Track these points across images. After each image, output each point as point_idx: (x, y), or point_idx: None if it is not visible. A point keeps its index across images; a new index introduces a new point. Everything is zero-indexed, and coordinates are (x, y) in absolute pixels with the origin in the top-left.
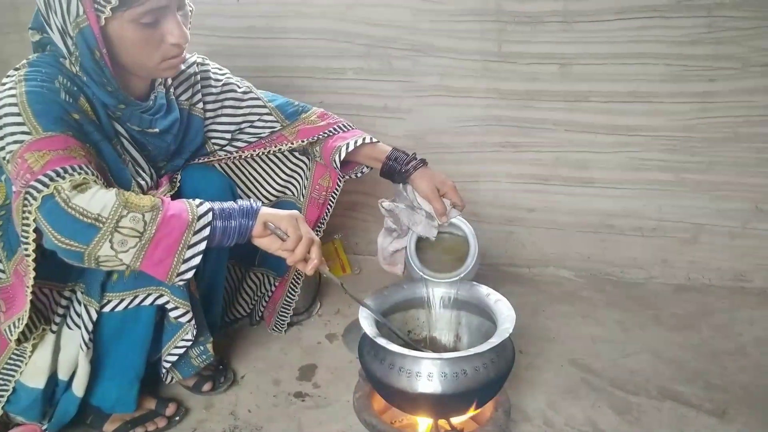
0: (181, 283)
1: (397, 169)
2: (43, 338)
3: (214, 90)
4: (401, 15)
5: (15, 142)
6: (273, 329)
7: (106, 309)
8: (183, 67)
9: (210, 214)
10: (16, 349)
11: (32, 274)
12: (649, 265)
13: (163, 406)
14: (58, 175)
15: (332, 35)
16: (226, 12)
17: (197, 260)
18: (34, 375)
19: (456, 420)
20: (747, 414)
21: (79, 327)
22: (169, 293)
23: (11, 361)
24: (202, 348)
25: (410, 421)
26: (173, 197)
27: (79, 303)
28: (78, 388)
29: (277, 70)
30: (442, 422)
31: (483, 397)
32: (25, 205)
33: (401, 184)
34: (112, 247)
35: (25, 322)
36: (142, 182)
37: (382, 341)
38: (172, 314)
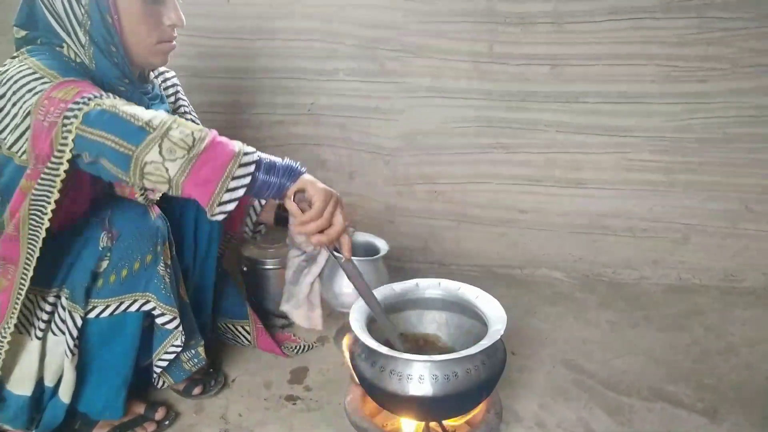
0: (220, 216)
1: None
2: (26, 345)
3: (186, 109)
4: (392, 16)
5: (35, 93)
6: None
7: (92, 315)
8: (168, 75)
9: (255, 155)
10: None
11: (45, 226)
12: (641, 265)
13: (152, 410)
14: (95, 97)
15: (323, 36)
16: (217, 13)
17: (240, 192)
18: (21, 382)
19: (448, 422)
20: (738, 414)
21: (63, 333)
22: (156, 299)
23: None
24: (193, 352)
25: (401, 424)
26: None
27: (64, 309)
28: (65, 395)
29: (268, 71)
30: (433, 425)
31: (474, 399)
32: (64, 129)
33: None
34: (160, 153)
35: (11, 325)
36: None
37: (373, 344)
38: (159, 320)
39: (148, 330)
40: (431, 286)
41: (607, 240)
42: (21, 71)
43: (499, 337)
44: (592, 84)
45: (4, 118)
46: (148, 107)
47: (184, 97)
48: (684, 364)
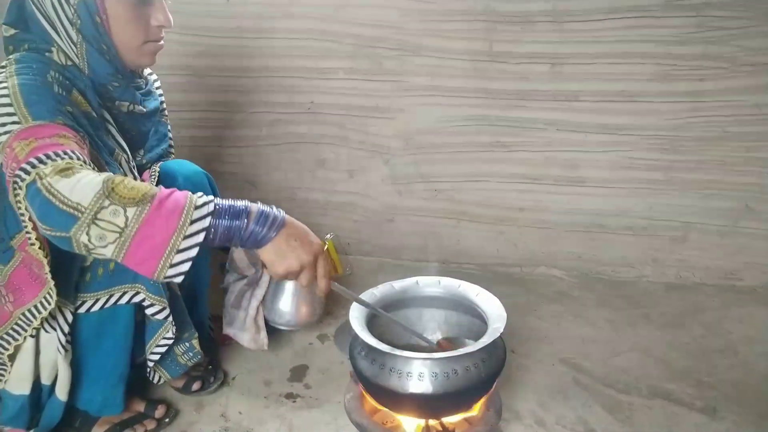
0: (171, 281)
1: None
2: (21, 345)
3: (166, 117)
4: (390, 15)
5: (5, 132)
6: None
7: (82, 310)
8: (155, 77)
9: (207, 219)
10: None
11: (45, 261)
12: (640, 263)
13: (152, 408)
14: (40, 161)
15: (321, 35)
16: (215, 12)
17: (186, 266)
18: (18, 382)
19: (447, 420)
20: (737, 412)
21: (55, 329)
22: (145, 290)
23: None
24: (187, 345)
25: (401, 422)
26: None
27: (51, 304)
28: (61, 393)
29: (266, 71)
30: (433, 423)
31: (474, 397)
32: (15, 195)
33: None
34: (89, 240)
35: (51, 305)
36: (126, 169)
37: (372, 341)
38: (149, 311)
39: (141, 324)
40: (431, 284)
41: (606, 238)
42: (0, 97)
43: (498, 334)
44: (591, 83)
45: None
46: (140, 102)
47: (166, 112)
48: (683, 362)
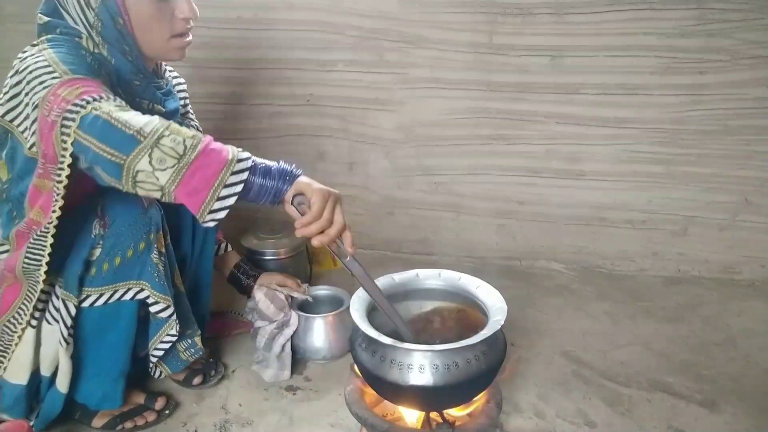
0: (211, 224)
1: (242, 280)
2: (22, 334)
3: (191, 116)
4: (391, 6)
5: (45, 87)
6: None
7: (86, 304)
8: (180, 80)
9: (250, 161)
10: None
11: (56, 213)
12: (640, 257)
13: (152, 400)
14: (95, 100)
15: (322, 27)
16: (216, 3)
17: (231, 201)
18: (16, 371)
19: (448, 412)
20: (736, 404)
21: (57, 322)
22: (150, 287)
23: None
24: (189, 342)
25: (402, 414)
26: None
27: (58, 297)
28: (61, 385)
29: (266, 62)
30: (434, 415)
31: (475, 389)
32: (62, 132)
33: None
34: (150, 162)
35: (30, 309)
36: None
37: (373, 333)
38: (153, 309)
39: (145, 319)
40: (432, 277)
41: (606, 231)
42: (37, 62)
43: (499, 327)
44: (592, 75)
45: (18, 106)
46: (161, 102)
47: (191, 110)
48: (682, 356)
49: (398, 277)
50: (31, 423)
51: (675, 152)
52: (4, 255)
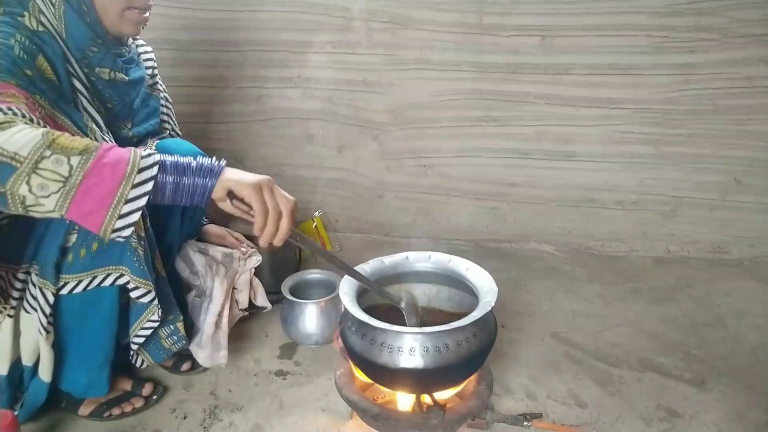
0: (119, 239)
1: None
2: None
3: (161, 87)
4: None
5: None
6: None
7: (64, 291)
8: (147, 49)
9: (155, 168)
10: None
11: None
12: (630, 238)
13: (139, 386)
14: None
15: (309, 8)
16: None
17: (135, 217)
18: None
19: (439, 395)
20: (725, 383)
21: (35, 310)
22: (129, 272)
23: None
24: (172, 328)
25: (392, 397)
26: None
27: (35, 285)
28: (44, 374)
29: (254, 44)
30: (424, 397)
31: (466, 372)
32: None
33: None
34: (30, 191)
35: None
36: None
37: (363, 316)
38: (134, 294)
39: (126, 306)
40: (422, 259)
41: (597, 213)
42: None
43: (489, 308)
44: (582, 55)
45: None
46: (122, 70)
47: (160, 80)
48: (672, 336)
49: (388, 260)
50: (16, 413)
51: (665, 132)
52: None
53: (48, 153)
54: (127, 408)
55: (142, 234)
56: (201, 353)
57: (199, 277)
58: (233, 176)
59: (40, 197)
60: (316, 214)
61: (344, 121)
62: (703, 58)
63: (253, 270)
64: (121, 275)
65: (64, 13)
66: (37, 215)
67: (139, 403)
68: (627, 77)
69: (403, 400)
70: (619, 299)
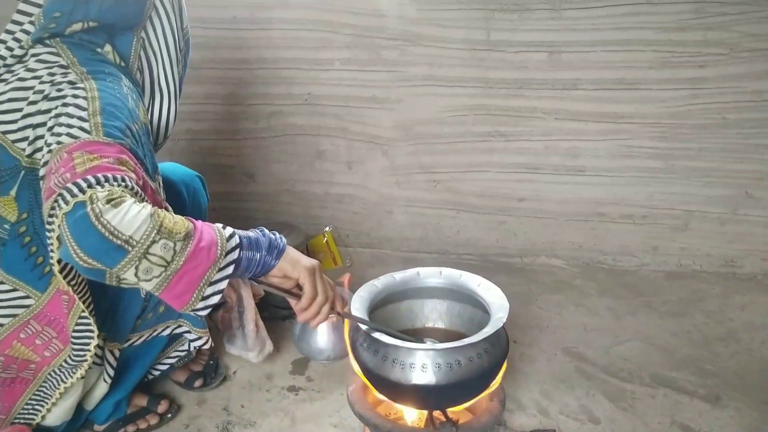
0: (192, 314)
1: None
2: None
3: None
4: (388, 4)
5: (70, 135)
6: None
7: (126, 344)
8: None
9: (237, 251)
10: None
11: (69, 288)
12: (641, 252)
13: (154, 403)
14: (98, 182)
15: (318, 25)
16: (211, 2)
17: (215, 299)
18: (61, 414)
19: (451, 411)
20: (739, 399)
21: (101, 365)
22: (190, 325)
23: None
24: (183, 354)
25: (404, 413)
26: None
27: (101, 348)
28: (90, 405)
29: (262, 62)
30: (437, 413)
31: (478, 388)
32: (53, 208)
33: None
34: (136, 274)
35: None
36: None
37: (375, 333)
38: (194, 344)
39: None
40: (432, 275)
41: (607, 227)
42: (75, 101)
43: (501, 324)
44: (590, 71)
45: (36, 139)
46: None
47: None
48: (685, 351)
49: (399, 275)
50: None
51: (674, 147)
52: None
53: (158, 238)
54: (143, 425)
55: None
56: (251, 354)
57: (224, 296)
58: (292, 255)
59: (143, 281)
60: (327, 229)
61: (354, 137)
62: (711, 72)
63: None
64: (180, 326)
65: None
66: (125, 286)
67: (154, 420)
68: (635, 92)
69: (416, 417)
70: (630, 313)
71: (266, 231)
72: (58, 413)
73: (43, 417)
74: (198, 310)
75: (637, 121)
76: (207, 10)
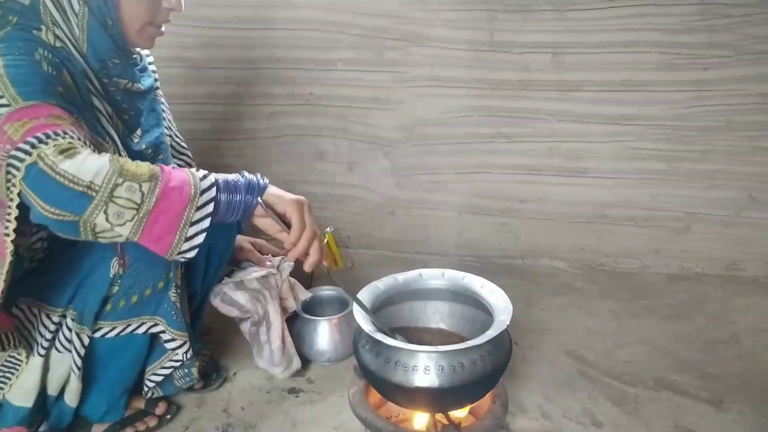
0: (182, 260)
1: None
2: (29, 361)
3: (161, 92)
4: (391, 4)
5: None
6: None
7: (97, 335)
8: (151, 56)
9: (214, 189)
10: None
11: (8, 260)
12: (643, 254)
13: (152, 405)
14: (40, 141)
15: (321, 26)
16: (215, 2)
17: (201, 238)
18: (21, 395)
19: (453, 414)
20: (743, 402)
21: (69, 351)
22: (165, 323)
23: None
24: (186, 371)
25: (407, 416)
26: None
27: (69, 329)
28: (71, 401)
29: (266, 62)
30: (439, 416)
31: (481, 390)
32: (8, 180)
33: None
34: (107, 219)
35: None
36: None
37: (377, 335)
38: (169, 345)
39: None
40: (435, 276)
41: (609, 229)
42: None
43: (505, 327)
44: (594, 72)
45: None
46: (138, 80)
47: (159, 84)
48: (688, 354)
49: (401, 277)
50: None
51: (678, 149)
52: None
53: (120, 180)
54: (141, 427)
55: (179, 282)
56: (277, 370)
57: (249, 311)
58: (276, 192)
59: (116, 225)
60: (328, 230)
61: (355, 137)
62: (715, 74)
63: (289, 273)
64: (156, 324)
65: (87, 23)
66: (105, 241)
67: (152, 422)
68: (639, 93)
69: (418, 419)
70: (632, 316)
71: (246, 173)
72: (17, 393)
73: (3, 394)
74: (184, 252)
75: (641, 123)
76: (211, 9)
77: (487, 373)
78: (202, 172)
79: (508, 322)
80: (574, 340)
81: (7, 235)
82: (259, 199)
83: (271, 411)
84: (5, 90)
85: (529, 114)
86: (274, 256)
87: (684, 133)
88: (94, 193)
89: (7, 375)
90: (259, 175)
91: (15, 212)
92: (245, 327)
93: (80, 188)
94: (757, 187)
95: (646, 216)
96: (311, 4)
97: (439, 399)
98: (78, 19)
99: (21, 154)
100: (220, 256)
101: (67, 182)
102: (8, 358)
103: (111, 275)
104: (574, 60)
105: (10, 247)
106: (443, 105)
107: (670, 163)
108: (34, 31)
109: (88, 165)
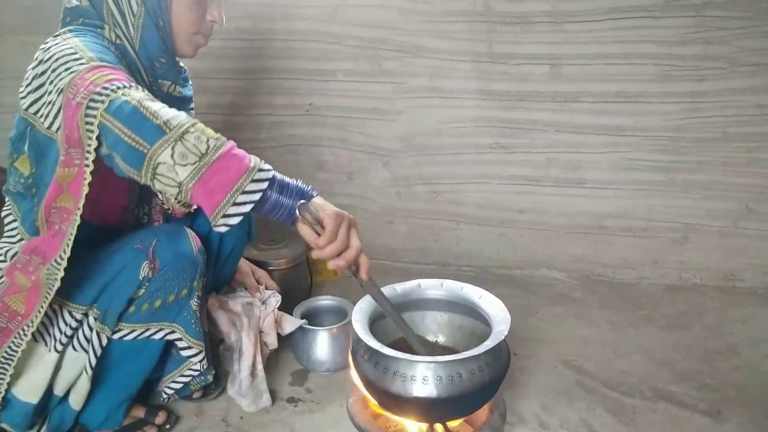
0: (223, 228)
1: None
2: (43, 356)
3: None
4: (390, 16)
5: (71, 72)
6: None
7: (115, 336)
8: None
9: (271, 173)
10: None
11: (84, 191)
12: (640, 265)
13: (152, 414)
14: (124, 86)
15: (321, 37)
16: None
17: (247, 208)
18: (28, 390)
19: (452, 424)
20: (740, 414)
21: (86, 351)
22: (183, 331)
23: None
24: (203, 378)
25: (404, 426)
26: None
27: (91, 328)
28: (75, 403)
29: (266, 72)
30: (437, 426)
31: (479, 401)
32: (88, 113)
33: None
34: (172, 156)
35: (29, 333)
36: None
37: (375, 345)
38: (185, 353)
39: (165, 351)
40: (434, 287)
41: (607, 240)
42: (62, 49)
43: (503, 337)
44: (591, 83)
45: (43, 96)
46: (181, 85)
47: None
48: (686, 364)
49: (400, 287)
50: None
51: (675, 160)
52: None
53: (192, 129)
54: None
55: (200, 293)
56: (243, 401)
57: (223, 333)
58: (320, 202)
59: (178, 164)
60: None
61: (355, 148)
62: (711, 86)
63: (276, 309)
64: (173, 332)
65: (143, 23)
66: (158, 185)
67: (152, 431)
68: (635, 105)
69: (416, 429)
70: (630, 326)
71: (299, 181)
72: (25, 387)
73: (7, 385)
74: (229, 216)
75: (638, 134)
76: None
77: (485, 384)
78: (266, 163)
79: (506, 333)
80: (572, 351)
81: (85, 172)
82: (298, 203)
83: (269, 420)
84: (83, 53)
85: (526, 125)
86: (267, 288)
87: (680, 144)
88: (168, 130)
89: (5, 366)
90: (311, 187)
91: (94, 144)
92: (220, 349)
93: (158, 122)
94: (753, 198)
95: (644, 227)
96: (310, 15)
97: (437, 409)
98: (135, 20)
99: (106, 92)
100: (224, 259)
101: (148, 114)
102: (7, 348)
103: (140, 277)
104: (571, 71)
105: (86, 189)
106: (442, 116)
107: (667, 174)
108: (98, 30)
109: (167, 110)
